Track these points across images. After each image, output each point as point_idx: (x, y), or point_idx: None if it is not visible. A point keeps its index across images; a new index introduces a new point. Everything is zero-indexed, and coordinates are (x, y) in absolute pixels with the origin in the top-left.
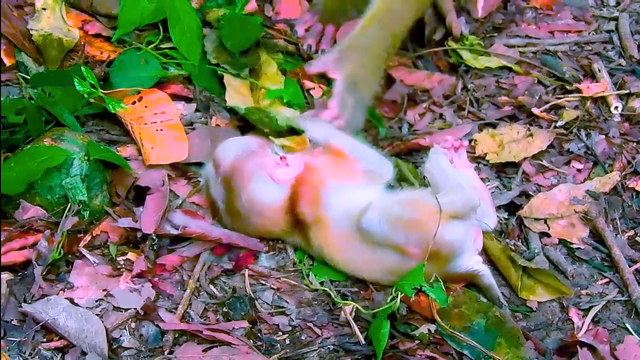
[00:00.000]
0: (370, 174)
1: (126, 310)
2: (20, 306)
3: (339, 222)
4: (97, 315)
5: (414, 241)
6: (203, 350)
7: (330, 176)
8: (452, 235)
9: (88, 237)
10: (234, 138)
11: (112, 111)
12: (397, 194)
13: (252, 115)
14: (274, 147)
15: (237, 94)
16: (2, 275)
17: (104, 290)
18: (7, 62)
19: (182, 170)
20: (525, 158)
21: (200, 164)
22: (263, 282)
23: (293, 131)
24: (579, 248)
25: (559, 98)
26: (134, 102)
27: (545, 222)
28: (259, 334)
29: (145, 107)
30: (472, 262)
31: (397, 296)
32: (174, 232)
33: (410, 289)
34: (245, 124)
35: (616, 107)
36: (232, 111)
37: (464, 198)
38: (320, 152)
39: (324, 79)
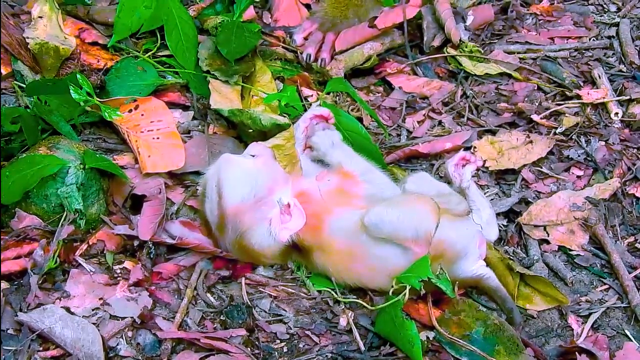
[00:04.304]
0: (373, 197)
1: (123, 319)
2: (17, 315)
3: (341, 241)
4: (94, 324)
5: (422, 232)
6: (201, 359)
7: (336, 204)
8: (457, 236)
9: (84, 246)
10: (244, 165)
11: (109, 119)
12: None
13: (235, 117)
14: (280, 194)
15: (223, 98)
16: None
17: (100, 299)
18: (3, 70)
19: (179, 178)
20: (524, 165)
21: (197, 173)
22: (261, 290)
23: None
24: (578, 255)
25: (559, 104)
26: (130, 110)
27: (545, 229)
28: (256, 342)
29: (142, 115)
30: (476, 267)
31: (405, 288)
32: (170, 241)
33: (417, 281)
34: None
35: (616, 114)
36: (228, 119)
37: (455, 199)
38: (325, 175)
39: (322, 86)
